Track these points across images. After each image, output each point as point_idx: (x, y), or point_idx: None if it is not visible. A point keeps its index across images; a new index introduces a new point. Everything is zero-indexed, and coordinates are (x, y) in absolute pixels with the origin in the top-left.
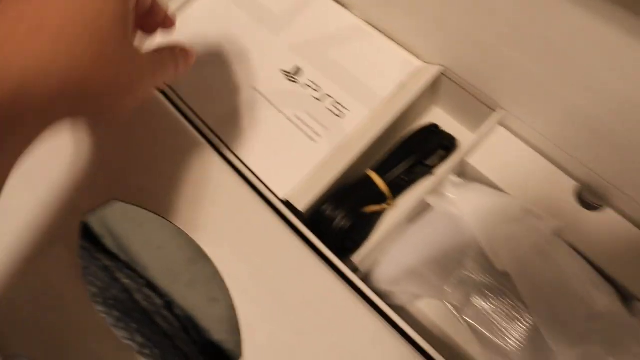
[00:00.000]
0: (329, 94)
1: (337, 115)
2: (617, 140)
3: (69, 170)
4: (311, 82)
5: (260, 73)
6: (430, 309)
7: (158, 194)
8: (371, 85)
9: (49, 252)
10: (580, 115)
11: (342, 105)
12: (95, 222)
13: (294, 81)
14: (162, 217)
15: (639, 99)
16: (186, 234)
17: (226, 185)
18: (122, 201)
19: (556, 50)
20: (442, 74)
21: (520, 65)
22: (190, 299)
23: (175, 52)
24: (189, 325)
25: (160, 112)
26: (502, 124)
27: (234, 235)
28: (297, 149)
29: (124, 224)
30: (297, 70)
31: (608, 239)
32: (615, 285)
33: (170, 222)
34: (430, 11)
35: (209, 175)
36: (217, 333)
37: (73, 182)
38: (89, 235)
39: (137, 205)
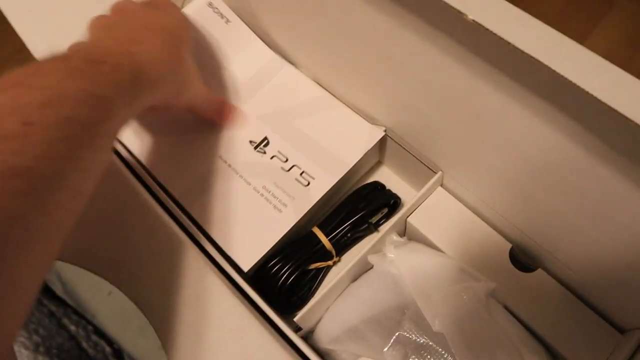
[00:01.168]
0: (297, 164)
1: (304, 185)
2: (540, 206)
3: None
4: (279, 152)
5: (229, 143)
6: None
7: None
8: (337, 153)
9: None
10: (504, 178)
11: (309, 175)
12: None
13: (262, 152)
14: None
15: (554, 166)
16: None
17: (177, 250)
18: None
19: (480, 120)
20: (386, 134)
21: (454, 132)
22: (139, 346)
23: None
24: None
25: (121, 180)
26: (442, 185)
27: (179, 302)
28: (263, 220)
29: (75, 270)
30: (265, 141)
31: (540, 301)
32: (546, 345)
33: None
34: (374, 76)
35: (162, 243)
36: None
37: None
38: None
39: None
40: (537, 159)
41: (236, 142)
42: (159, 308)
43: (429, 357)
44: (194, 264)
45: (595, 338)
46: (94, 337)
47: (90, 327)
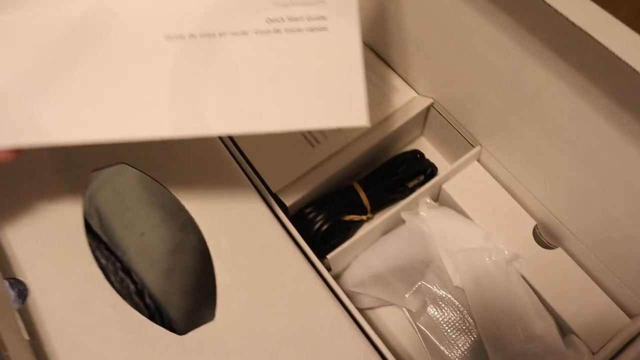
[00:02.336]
0: None
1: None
2: (569, 184)
3: None
4: None
5: None
6: (388, 316)
7: (163, 166)
8: (370, 107)
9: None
10: (544, 161)
11: None
12: (85, 201)
13: None
14: (163, 186)
15: (596, 152)
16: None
17: (226, 173)
18: (131, 166)
19: (524, 96)
20: (432, 106)
21: (498, 108)
22: (163, 288)
23: None
24: (157, 316)
25: None
26: (479, 160)
27: (225, 213)
28: (296, 151)
29: (112, 206)
30: None
31: (556, 276)
32: (556, 318)
33: (169, 191)
34: (430, 49)
35: (213, 161)
36: (183, 326)
37: None
38: None
39: (144, 173)
40: (572, 136)
41: None
42: (203, 215)
43: (445, 308)
44: (241, 189)
45: (604, 317)
46: (121, 274)
47: (118, 264)
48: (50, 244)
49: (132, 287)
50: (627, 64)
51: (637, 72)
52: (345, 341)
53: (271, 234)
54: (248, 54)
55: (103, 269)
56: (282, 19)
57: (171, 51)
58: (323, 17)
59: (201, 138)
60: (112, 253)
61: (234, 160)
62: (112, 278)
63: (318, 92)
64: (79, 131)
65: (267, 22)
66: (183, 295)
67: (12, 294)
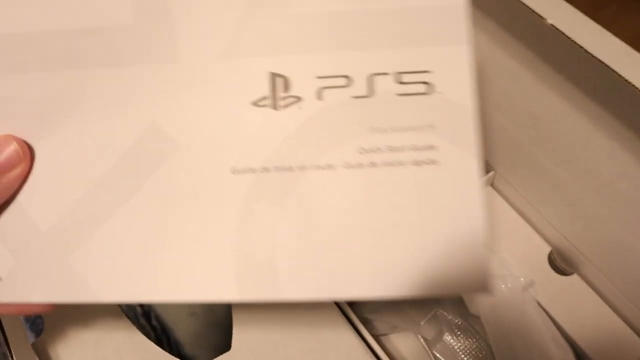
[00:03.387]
0: None
1: None
2: (586, 212)
3: None
4: None
5: None
6: (401, 342)
7: None
8: None
9: None
10: (560, 188)
11: None
12: None
13: None
14: None
15: (613, 181)
16: None
17: None
18: None
19: (538, 122)
20: None
21: (512, 135)
22: (169, 310)
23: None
24: (164, 338)
25: None
26: (492, 185)
27: None
28: None
29: None
30: None
31: (572, 303)
32: (572, 345)
33: None
34: None
35: None
36: (191, 348)
37: None
38: None
39: None
40: (589, 165)
41: None
42: None
43: (462, 335)
44: None
45: (621, 345)
46: None
47: None
48: None
49: (138, 309)
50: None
51: None
52: None
53: None
54: (335, 194)
55: None
56: (380, 149)
57: (238, 188)
58: (432, 147)
59: None
60: None
61: None
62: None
63: (426, 247)
64: (130, 290)
65: (360, 152)
66: (191, 317)
67: (27, 327)
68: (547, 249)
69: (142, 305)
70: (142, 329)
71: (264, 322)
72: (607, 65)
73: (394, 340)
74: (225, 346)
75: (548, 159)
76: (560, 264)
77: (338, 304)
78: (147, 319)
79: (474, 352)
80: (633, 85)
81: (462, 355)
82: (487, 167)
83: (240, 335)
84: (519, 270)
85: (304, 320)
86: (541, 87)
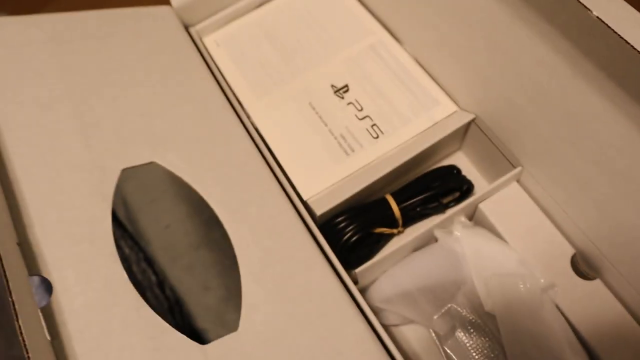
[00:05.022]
0: (370, 116)
1: (373, 137)
2: (614, 215)
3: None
4: (356, 101)
5: (312, 84)
6: (412, 334)
7: (193, 166)
8: (408, 118)
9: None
10: (590, 189)
11: (379, 129)
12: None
13: (340, 97)
14: (192, 188)
15: (636, 176)
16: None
17: (257, 177)
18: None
19: (573, 121)
20: (474, 121)
21: (544, 131)
22: (184, 282)
23: None
24: (176, 309)
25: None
26: (519, 181)
27: (253, 218)
28: (331, 159)
29: (138, 196)
30: (345, 88)
31: (593, 309)
32: (590, 353)
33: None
34: (476, 63)
35: (245, 164)
36: (202, 322)
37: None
38: None
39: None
40: (622, 167)
41: (319, 82)
42: (231, 219)
43: (475, 333)
44: (272, 194)
45: None
46: (143, 264)
47: (141, 254)
48: (77, 242)
49: (153, 278)
50: None
51: None
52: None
53: (300, 244)
54: None
55: (126, 258)
56: None
57: None
58: None
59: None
60: (136, 243)
61: (266, 165)
62: (135, 268)
63: None
64: None
65: None
66: (204, 290)
67: (36, 291)
68: (571, 251)
69: (157, 274)
70: (155, 299)
71: (274, 305)
72: None
73: (405, 332)
74: (234, 325)
75: (579, 158)
76: (583, 267)
77: (350, 291)
78: (161, 289)
79: (485, 352)
80: None
81: (474, 354)
82: (515, 162)
83: (249, 317)
84: (539, 271)
85: (314, 306)
86: (580, 84)
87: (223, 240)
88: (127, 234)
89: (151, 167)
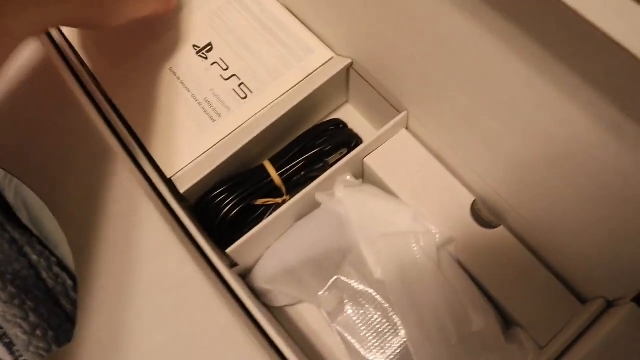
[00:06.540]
0: (237, 75)
1: (241, 98)
2: (505, 152)
3: None
4: (221, 60)
5: (172, 46)
6: (310, 313)
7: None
8: (280, 71)
9: None
10: (469, 119)
11: (248, 88)
12: (10, 193)
13: (203, 57)
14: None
15: (530, 114)
16: None
17: (103, 160)
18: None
19: (445, 47)
20: (352, 67)
21: (417, 62)
22: None
23: None
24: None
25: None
26: (408, 128)
27: (99, 209)
28: (196, 128)
29: (37, 198)
30: (209, 47)
31: (497, 260)
32: (498, 308)
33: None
34: (345, 3)
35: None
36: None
37: None
38: (2, 206)
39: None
40: (505, 96)
41: (179, 44)
42: (78, 219)
43: (366, 305)
44: (126, 181)
45: (553, 305)
46: (56, 269)
47: (53, 259)
48: None
49: (69, 282)
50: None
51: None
52: (240, 354)
53: (151, 229)
54: None
55: (34, 265)
56: None
57: None
58: None
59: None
60: (45, 247)
61: (119, 147)
62: (45, 275)
63: None
64: None
65: None
66: None
67: None
68: (470, 198)
69: (73, 278)
70: (72, 303)
71: (114, 305)
72: None
73: (302, 310)
74: (68, 336)
75: (460, 93)
76: (485, 214)
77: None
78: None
79: (379, 326)
80: None
81: (363, 329)
82: (399, 107)
83: (87, 324)
84: (437, 224)
85: (163, 301)
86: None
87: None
88: (34, 239)
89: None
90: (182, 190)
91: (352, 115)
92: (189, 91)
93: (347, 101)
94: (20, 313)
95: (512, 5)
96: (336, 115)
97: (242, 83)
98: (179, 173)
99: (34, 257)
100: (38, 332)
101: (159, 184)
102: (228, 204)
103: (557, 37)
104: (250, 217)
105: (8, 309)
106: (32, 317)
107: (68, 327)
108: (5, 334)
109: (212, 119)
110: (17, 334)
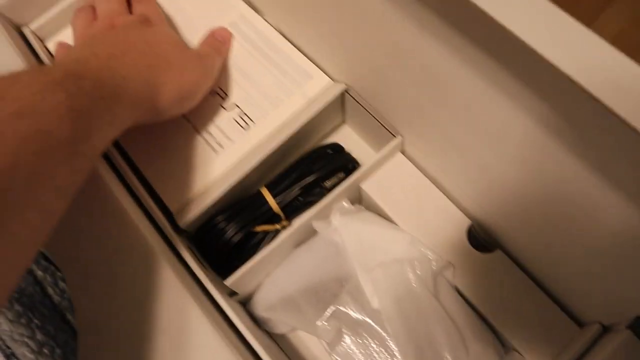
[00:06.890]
0: (237, 104)
1: (242, 127)
2: (500, 179)
3: None
4: (220, 89)
5: None
6: (310, 338)
7: None
8: (279, 99)
9: None
10: (467, 151)
11: (249, 117)
12: None
13: None
14: None
15: (509, 133)
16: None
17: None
18: None
19: (433, 79)
20: (347, 92)
21: (407, 89)
22: None
23: (214, 38)
24: None
25: None
26: (404, 152)
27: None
28: (200, 161)
29: None
30: None
31: (495, 284)
32: (496, 334)
33: None
34: (330, 25)
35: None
36: None
37: None
38: None
39: None
40: (489, 125)
41: None
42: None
43: (364, 334)
44: (121, 213)
45: (550, 329)
46: (62, 284)
47: (59, 274)
48: None
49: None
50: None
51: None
52: None
53: (149, 266)
54: None
55: (39, 282)
56: None
57: None
58: None
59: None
60: (51, 263)
61: (119, 184)
62: (51, 291)
63: None
64: None
65: None
66: None
67: None
68: (466, 222)
69: None
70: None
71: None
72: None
73: (303, 337)
74: None
75: (450, 122)
76: (482, 237)
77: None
78: None
79: (374, 355)
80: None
81: (362, 358)
82: (394, 131)
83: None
84: (434, 248)
85: (159, 339)
86: (428, 39)
87: None
88: (39, 254)
89: None
90: (181, 224)
91: (348, 136)
92: (189, 122)
93: (344, 122)
94: (27, 332)
95: (490, 42)
96: (333, 136)
97: (243, 113)
98: (180, 206)
99: (40, 273)
100: (45, 350)
101: (159, 219)
102: (228, 232)
103: (538, 77)
104: (250, 243)
105: (15, 328)
106: (39, 335)
107: (74, 344)
108: (13, 354)
109: (214, 151)
110: (24, 353)
